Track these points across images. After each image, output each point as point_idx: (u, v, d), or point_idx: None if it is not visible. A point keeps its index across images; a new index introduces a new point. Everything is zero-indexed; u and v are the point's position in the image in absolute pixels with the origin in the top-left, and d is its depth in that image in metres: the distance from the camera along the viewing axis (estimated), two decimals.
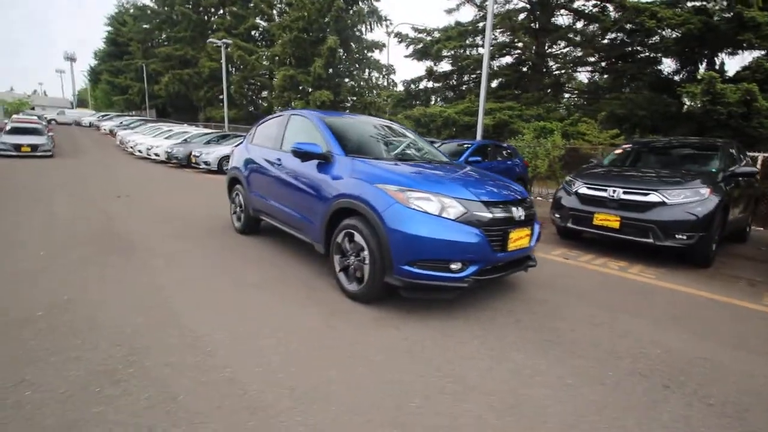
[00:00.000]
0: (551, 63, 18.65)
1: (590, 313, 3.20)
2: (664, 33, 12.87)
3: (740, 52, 13.95)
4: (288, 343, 2.45)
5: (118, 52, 41.00)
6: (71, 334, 2.41)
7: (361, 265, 3.02)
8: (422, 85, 18.64)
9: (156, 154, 17.11)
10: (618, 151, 6.59)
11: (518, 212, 3.05)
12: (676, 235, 4.57)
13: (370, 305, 3.05)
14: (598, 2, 15.30)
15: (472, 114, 14.63)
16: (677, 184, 4.75)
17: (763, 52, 9.89)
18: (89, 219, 5.62)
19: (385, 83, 25.98)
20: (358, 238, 3.01)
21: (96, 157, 17.49)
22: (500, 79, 20.56)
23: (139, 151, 18.25)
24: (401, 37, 18.17)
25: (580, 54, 18.03)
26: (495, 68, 18.68)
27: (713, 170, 5.23)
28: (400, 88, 20.63)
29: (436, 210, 2.74)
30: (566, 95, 18.55)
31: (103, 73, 42.67)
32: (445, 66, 19.26)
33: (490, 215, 2.84)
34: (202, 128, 22.64)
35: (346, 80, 24.96)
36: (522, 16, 17.02)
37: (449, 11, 17.45)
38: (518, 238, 3.02)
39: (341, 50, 23.03)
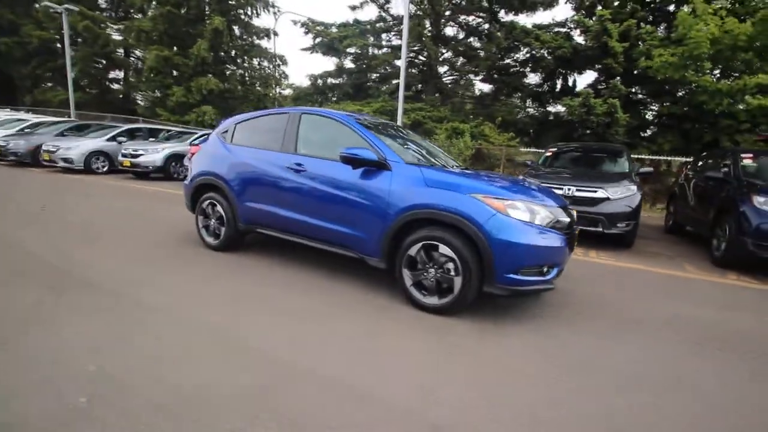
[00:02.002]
0: (444, 69, 20.35)
1: (597, 292, 3.77)
2: (536, 53, 15.39)
3: (585, 72, 17.67)
4: (438, 376, 2.24)
5: None
6: None
7: (447, 277, 2.92)
8: (330, 80, 18.19)
9: None
10: (548, 154, 7.71)
11: (572, 215, 3.37)
12: (618, 224, 5.66)
13: (454, 317, 2.98)
14: (484, 21, 17.35)
15: (387, 113, 15.02)
16: (615, 182, 5.86)
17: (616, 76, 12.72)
18: None
19: (276, 74, 24.46)
20: (444, 249, 2.89)
21: None
22: (397, 80, 21.52)
23: None
24: (308, 28, 17.37)
25: (466, 64, 20.15)
26: (397, 68, 19.42)
27: (628, 170, 6.61)
28: (299, 81, 19.80)
29: (531, 218, 2.84)
30: (456, 100, 20.48)
31: None
32: (347, 63, 19.23)
33: (567, 219, 3.08)
34: (43, 116, 17.70)
35: (234, 68, 22.62)
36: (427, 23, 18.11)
37: (353, 8, 17.44)
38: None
39: (228, 33, 20.71)
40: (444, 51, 19.21)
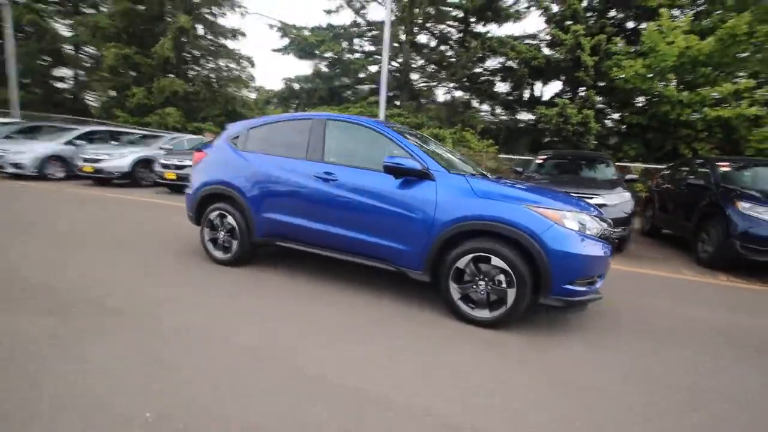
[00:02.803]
0: (416, 76, 20.59)
1: (619, 298, 3.89)
2: (509, 63, 15.96)
3: (550, 82, 18.51)
4: (518, 396, 2.16)
5: None
6: None
7: (499, 289, 2.86)
8: (307, 84, 17.77)
9: None
10: (538, 161, 7.92)
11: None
12: (616, 230, 5.89)
13: (501, 330, 2.93)
14: (456, 31, 17.78)
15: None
16: (610, 189, 6.11)
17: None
18: None
19: (243, 76, 23.61)
20: (496, 261, 2.83)
21: None
22: (372, 85, 21.49)
23: None
24: (284, 32, 16.90)
25: (438, 71, 20.49)
26: (370, 73, 19.39)
27: (617, 177, 6.94)
28: (270, 84, 19.20)
29: (582, 228, 2.84)
30: (432, 107, 20.78)
31: None
32: (322, 67, 18.93)
33: (610, 230, 3.12)
34: None
35: (199, 69, 21.54)
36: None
37: (328, 12, 17.22)
38: None
39: (193, 33, 19.72)
40: (417, 58, 19.44)
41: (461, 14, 16.55)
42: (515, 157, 13.73)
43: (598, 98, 12.30)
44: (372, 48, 21.06)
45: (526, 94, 18.98)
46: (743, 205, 5.11)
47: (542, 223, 2.75)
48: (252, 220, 3.85)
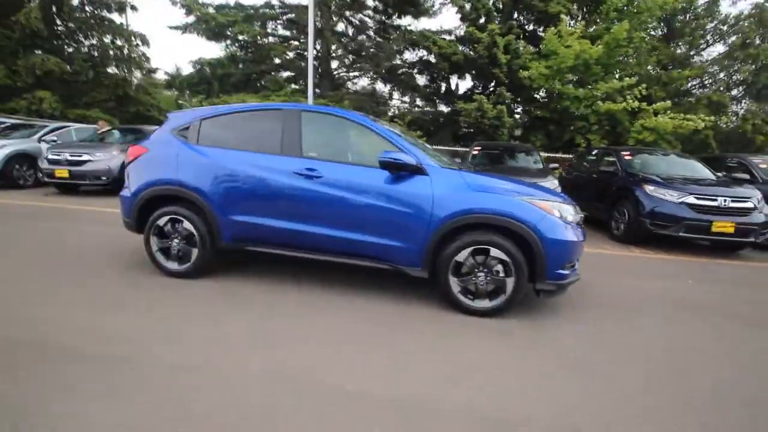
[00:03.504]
0: (335, 65, 20.12)
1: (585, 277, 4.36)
2: (429, 57, 16.53)
3: (464, 77, 19.68)
4: (543, 379, 2.26)
5: None
6: None
7: (498, 279, 2.96)
8: (221, 69, 16.00)
9: None
10: (474, 152, 8.38)
11: None
12: None
13: (502, 318, 3.05)
14: (375, 23, 17.76)
15: None
16: (543, 178, 6.73)
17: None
18: None
19: (134, 56, 20.49)
20: (495, 252, 2.92)
21: None
22: (289, 73, 20.43)
23: None
24: (190, 8, 14.91)
25: (357, 61, 20.32)
26: (287, 59, 18.36)
27: (544, 166, 7.69)
28: (171, 66, 16.94)
29: (566, 217, 3.07)
30: (353, 97, 20.52)
31: None
32: (233, 50, 17.32)
33: (582, 215, 3.41)
34: None
35: (76, 46, 18.02)
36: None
37: None
38: None
39: (66, 2, 16.36)
40: (337, 47, 19.01)
41: (381, 5, 16.55)
42: (443, 147, 14.35)
43: (508, 94, 13.43)
44: (287, 33, 19.98)
45: (443, 88, 19.95)
46: (649, 188, 6.07)
47: (537, 214, 2.90)
48: (216, 224, 3.38)
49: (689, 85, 14.39)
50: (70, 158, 8.03)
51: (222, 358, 2.28)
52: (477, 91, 17.43)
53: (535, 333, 2.86)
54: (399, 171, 3.02)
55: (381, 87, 20.45)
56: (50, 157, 8.11)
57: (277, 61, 19.27)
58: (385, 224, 3.07)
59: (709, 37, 14.64)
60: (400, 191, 3.04)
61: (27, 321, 2.59)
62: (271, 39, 17.55)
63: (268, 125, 3.43)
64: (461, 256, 2.98)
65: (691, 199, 5.70)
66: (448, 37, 15.62)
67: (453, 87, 19.65)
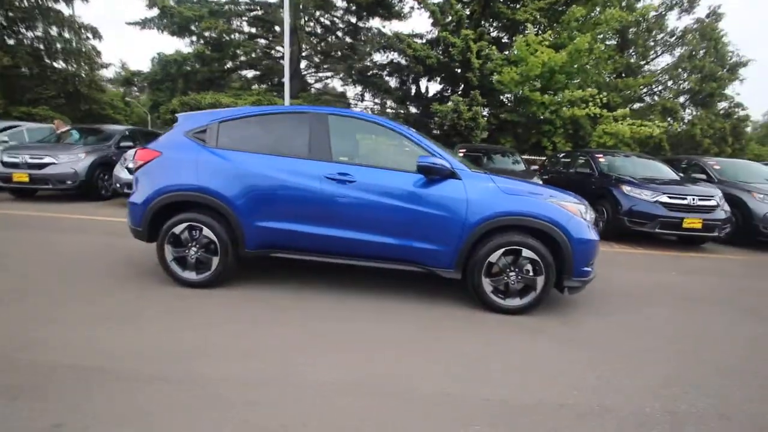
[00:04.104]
0: (302, 65, 19.83)
1: None
2: (401, 59, 16.76)
3: (433, 80, 20.11)
4: (594, 370, 2.41)
5: None
6: None
7: (528, 278, 3.10)
8: (185, 66, 15.14)
9: None
10: (460, 153, 8.62)
11: None
12: None
13: (531, 316, 3.20)
14: (346, 25, 17.73)
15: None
16: (530, 178, 7.06)
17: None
18: None
19: (83, 49, 18.99)
20: (527, 253, 3.06)
21: None
22: (255, 72, 19.86)
23: None
24: (155, 2, 13.99)
25: (326, 62, 20.16)
26: (253, 58, 17.86)
27: (527, 168, 8.06)
28: (131, 62, 15.86)
29: (587, 217, 3.27)
30: (326, 98, 20.36)
31: None
32: (194, 47, 16.55)
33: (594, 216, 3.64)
34: None
35: (18, 37, 16.33)
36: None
37: None
38: None
39: None
40: (307, 47, 18.76)
41: (353, 6, 16.51)
42: None
43: (480, 98, 13.94)
44: (253, 30, 19.40)
45: (413, 90, 20.27)
46: (626, 188, 6.55)
47: (565, 215, 3.08)
48: (241, 231, 3.26)
49: (643, 91, 15.69)
50: (30, 161, 7.35)
51: (280, 369, 2.22)
52: (446, 94, 17.92)
53: (566, 327, 3.03)
54: (435, 175, 3.08)
55: (351, 88, 20.47)
56: (6, 159, 7.37)
57: (243, 58, 18.72)
58: (420, 228, 3.11)
59: (658, 48, 16.02)
60: (435, 195, 3.10)
61: (58, 343, 2.38)
62: (236, 36, 16.96)
63: (294, 128, 3.36)
64: (494, 256, 3.09)
65: (665, 198, 6.23)
66: (419, 41, 15.91)
67: (423, 90, 20.05)
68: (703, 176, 7.96)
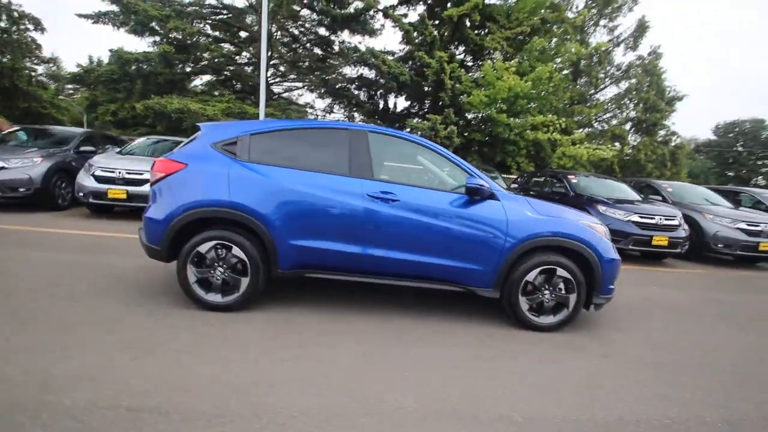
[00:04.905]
0: (269, 74, 19.42)
1: None
2: (373, 74, 17.00)
3: (400, 96, 20.55)
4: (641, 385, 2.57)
5: None
6: None
7: (561, 296, 3.25)
8: (146, 66, 14.04)
9: None
10: None
11: None
12: None
13: (555, 333, 3.34)
14: (315, 39, 17.70)
15: (235, 117, 13.21)
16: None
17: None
18: None
19: (23, 42, 17.15)
20: (562, 272, 3.21)
21: None
22: (217, 76, 19.08)
23: None
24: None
25: (292, 71, 19.93)
26: (215, 63, 17.15)
27: (506, 188, 8.44)
28: (81, 59, 14.45)
29: (609, 238, 3.51)
30: (295, 107, 20.00)
31: None
32: (150, 46, 15.56)
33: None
34: None
35: None
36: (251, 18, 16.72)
37: None
38: None
39: None
40: (275, 55, 18.42)
41: (326, 20, 16.52)
42: None
43: (455, 117, 14.52)
44: (216, 34, 18.70)
45: (381, 105, 20.57)
46: (602, 208, 7.10)
47: (595, 236, 3.28)
48: (274, 250, 3.10)
49: (593, 118, 17.24)
50: None
51: (350, 397, 2.13)
52: (413, 110, 18.41)
53: (597, 344, 3.20)
54: (478, 196, 3.16)
55: (317, 99, 20.35)
56: None
57: (205, 63, 17.96)
58: (463, 248, 3.16)
59: (606, 80, 17.74)
60: (478, 216, 3.17)
61: (85, 380, 2.09)
62: (203, 39, 16.25)
63: (332, 145, 3.29)
64: (531, 275, 3.21)
65: (636, 218, 6.83)
66: (390, 57, 16.26)
67: (391, 105, 20.41)
68: (658, 197, 8.85)
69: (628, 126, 16.93)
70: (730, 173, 41.05)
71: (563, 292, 3.25)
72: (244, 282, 3.12)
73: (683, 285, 5.76)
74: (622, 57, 17.34)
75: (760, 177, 40.82)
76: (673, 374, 2.74)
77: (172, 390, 2.05)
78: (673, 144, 16.60)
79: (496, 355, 2.84)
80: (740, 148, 41.50)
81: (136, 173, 6.83)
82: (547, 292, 3.25)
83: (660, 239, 6.73)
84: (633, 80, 16.65)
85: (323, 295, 3.65)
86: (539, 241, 3.19)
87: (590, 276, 3.26)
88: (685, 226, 7.15)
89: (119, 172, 6.80)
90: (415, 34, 14.92)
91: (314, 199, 3.11)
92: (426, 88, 16.07)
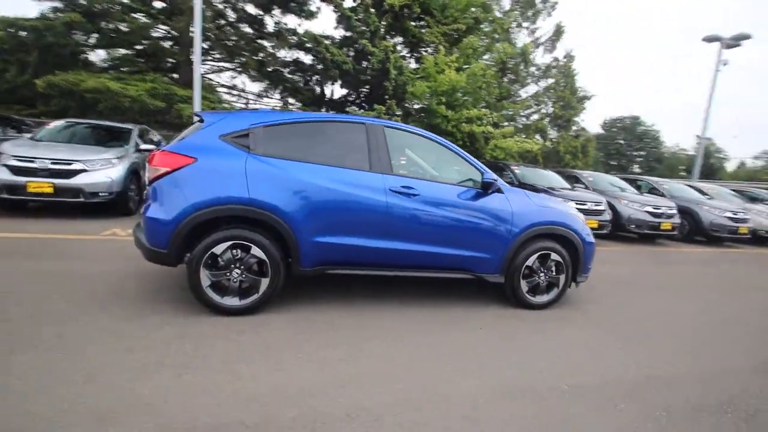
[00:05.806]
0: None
1: None
2: (313, 60, 16.46)
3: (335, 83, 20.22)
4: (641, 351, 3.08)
5: None
6: None
7: (554, 276, 3.69)
8: (43, 36, 11.52)
9: None
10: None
11: None
12: None
13: (549, 310, 3.79)
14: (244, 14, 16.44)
15: (162, 98, 11.80)
16: None
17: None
18: None
19: None
20: (555, 256, 3.64)
21: None
22: (127, 50, 16.75)
23: None
24: None
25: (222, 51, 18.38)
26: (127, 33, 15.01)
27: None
28: None
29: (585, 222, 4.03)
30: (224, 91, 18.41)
31: None
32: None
33: None
34: None
35: None
36: None
37: None
38: None
39: None
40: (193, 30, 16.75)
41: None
42: None
43: (396, 107, 14.78)
44: (126, 1, 16.35)
45: (317, 91, 20.04)
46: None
47: (579, 223, 3.77)
48: (296, 248, 3.01)
49: (519, 113, 18.90)
50: None
51: (417, 387, 2.25)
52: (351, 98, 18.30)
53: (586, 317, 3.70)
54: (491, 190, 3.41)
55: (249, 82, 19.09)
56: None
57: (114, 35, 15.71)
58: (477, 238, 3.40)
59: (528, 79, 19.49)
60: (488, 208, 3.42)
61: (126, 406, 1.89)
62: (113, 6, 14.05)
63: (350, 139, 3.27)
64: (530, 260, 3.58)
65: (573, 204, 7.79)
66: (328, 42, 15.85)
67: (328, 93, 19.98)
68: (582, 185, 10.14)
69: (546, 121, 19.01)
70: (613, 162, 47.98)
71: (555, 273, 3.69)
72: (264, 283, 2.99)
73: (617, 261, 6.79)
74: (541, 58, 19.31)
75: (636, 166, 48.53)
76: (647, 337, 3.32)
77: (249, 401, 1.96)
78: (583, 138, 19.06)
79: (518, 333, 3.15)
80: (621, 141, 48.77)
81: (63, 163, 5.87)
82: (542, 274, 3.65)
83: (591, 222, 7.76)
84: (551, 80, 18.69)
85: (327, 292, 3.64)
86: (538, 230, 3.57)
87: (575, 258, 3.75)
88: (609, 210, 8.36)
89: (41, 162, 5.79)
90: (357, 21, 14.74)
91: (337, 195, 3.07)
92: (366, 77, 16.04)
